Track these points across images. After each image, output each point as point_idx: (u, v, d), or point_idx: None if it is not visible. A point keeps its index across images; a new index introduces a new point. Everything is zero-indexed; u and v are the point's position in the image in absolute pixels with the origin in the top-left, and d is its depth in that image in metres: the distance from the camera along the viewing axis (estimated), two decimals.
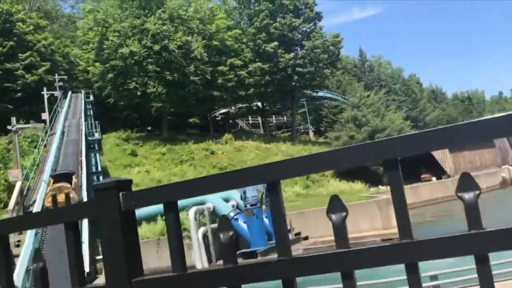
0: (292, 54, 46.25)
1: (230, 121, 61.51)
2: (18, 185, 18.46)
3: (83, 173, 19.81)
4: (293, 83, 47.16)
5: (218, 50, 46.10)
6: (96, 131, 34.23)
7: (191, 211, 14.93)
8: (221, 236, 1.52)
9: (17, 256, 12.53)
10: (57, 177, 18.66)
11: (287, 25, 46.64)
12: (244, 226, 15.62)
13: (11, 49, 42.85)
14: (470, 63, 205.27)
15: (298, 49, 48.54)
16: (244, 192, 15.51)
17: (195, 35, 42.88)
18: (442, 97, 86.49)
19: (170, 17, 41.39)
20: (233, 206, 16.97)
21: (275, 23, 46.93)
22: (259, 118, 62.08)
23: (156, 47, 39.79)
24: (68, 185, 17.91)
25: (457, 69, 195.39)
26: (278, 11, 48.26)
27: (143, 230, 16.50)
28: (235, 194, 17.79)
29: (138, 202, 1.73)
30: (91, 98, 46.93)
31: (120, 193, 1.66)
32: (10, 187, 26.32)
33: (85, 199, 16.16)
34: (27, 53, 43.66)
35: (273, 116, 62.59)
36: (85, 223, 14.44)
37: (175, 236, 1.66)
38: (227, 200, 17.15)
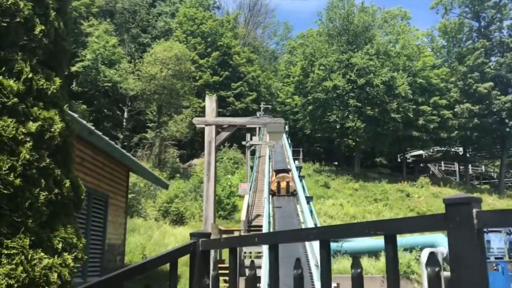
0: (509, 97, 41.29)
1: (421, 164, 57.88)
2: (246, 198, 19.63)
3: (300, 194, 19.97)
4: (507, 129, 41.91)
5: (422, 88, 43.94)
6: (298, 159, 35.10)
7: (424, 253, 13.44)
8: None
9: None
10: (279, 171, 23.75)
11: (506, 65, 41.98)
12: None
13: (226, 78, 47.43)
14: None
15: None
16: (488, 242, 13.44)
17: (400, 71, 41.57)
18: None
19: (377, 53, 40.94)
20: None
21: (491, 62, 42.75)
22: (456, 165, 57.03)
23: (361, 82, 39.56)
24: (289, 176, 22.82)
25: None
26: (496, 50, 43.95)
27: (365, 264, 15.64)
28: None
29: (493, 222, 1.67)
30: (286, 128, 48.93)
31: (474, 210, 1.61)
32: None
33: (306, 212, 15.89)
34: (239, 83, 47.82)
35: (470, 165, 56.96)
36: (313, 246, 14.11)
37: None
38: None
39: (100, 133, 9.84)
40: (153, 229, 21.55)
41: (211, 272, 2.30)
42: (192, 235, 2.52)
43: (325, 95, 41.51)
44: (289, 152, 31.51)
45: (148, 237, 19.68)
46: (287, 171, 24.06)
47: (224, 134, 9.92)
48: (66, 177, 2.93)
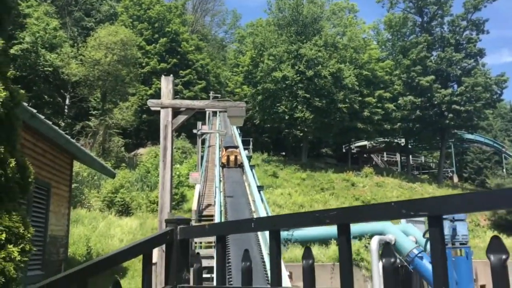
0: (449, 90, 43.17)
1: (365, 155, 59.54)
2: (197, 187, 19.12)
3: (252, 184, 19.68)
4: (447, 121, 43.85)
5: (367, 80, 44.97)
6: (248, 149, 34.94)
7: (374, 241, 13.66)
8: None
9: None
10: (228, 147, 27.35)
11: (446, 59, 43.82)
12: (429, 267, 13.97)
13: (174, 66, 46.34)
14: None
15: (455, 85, 45.29)
16: (454, 229, 13.90)
17: (347, 63, 42.32)
18: None
19: (325, 44, 41.39)
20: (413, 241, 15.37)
21: (432, 56, 44.46)
22: (397, 155, 59.16)
23: (309, 73, 39.88)
24: (237, 150, 26.54)
25: None
26: (437, 44, 45.78)
27: (316, 252, 15.73)
28: (412, 229, 16.19)
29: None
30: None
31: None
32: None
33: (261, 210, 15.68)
34: (187, 71, 46.88)
35: (410, 156, 59.35)
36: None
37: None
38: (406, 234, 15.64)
39: (42, 117, 9.14)
40: (97, 220, 20.68)
41: (194, 265, 2.01)
42: (168, 221, 2.20)
43: (274, 85, 41.52)
44: (239, 140, 31.51)
45: (92, 228, 18.83)
46: (236, 147, 27.88)
47: (181, 118, 9.49)
48: (11, 155, 2.49)
